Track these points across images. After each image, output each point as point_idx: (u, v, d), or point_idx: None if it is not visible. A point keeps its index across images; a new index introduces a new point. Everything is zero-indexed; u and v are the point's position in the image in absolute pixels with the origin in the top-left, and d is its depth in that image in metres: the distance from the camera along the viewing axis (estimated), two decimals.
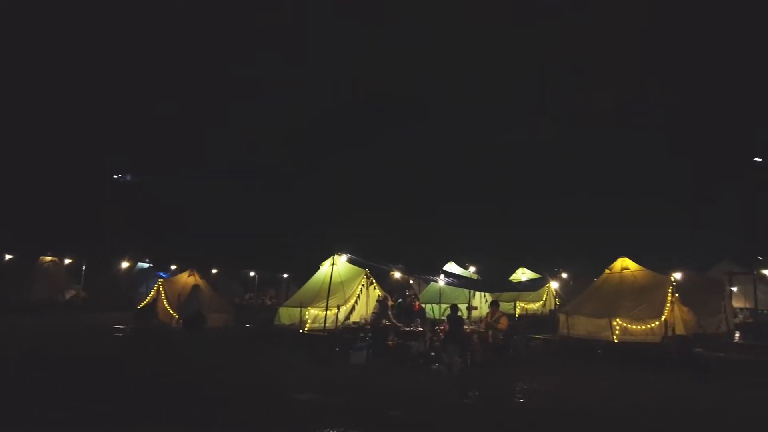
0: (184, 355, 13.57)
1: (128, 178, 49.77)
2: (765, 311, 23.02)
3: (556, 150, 51.84)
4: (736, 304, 21.41)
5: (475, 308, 19.37)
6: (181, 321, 16.21)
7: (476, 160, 53.79)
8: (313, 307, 15.63)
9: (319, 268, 17.31)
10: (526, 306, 23.95)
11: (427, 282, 21.46)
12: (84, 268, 25.88)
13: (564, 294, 18.56)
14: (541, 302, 23.92)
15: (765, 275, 20.00)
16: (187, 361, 12.99)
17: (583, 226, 42.23)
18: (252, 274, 32.09)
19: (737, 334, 16.89)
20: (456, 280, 16.49)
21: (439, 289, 19.40)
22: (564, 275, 22.69)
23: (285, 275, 31.31)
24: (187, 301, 14.79)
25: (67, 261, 27.18)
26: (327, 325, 14.92)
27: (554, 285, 17.82)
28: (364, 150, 53.08)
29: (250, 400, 9.36)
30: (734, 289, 20.97)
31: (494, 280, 22.30)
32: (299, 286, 18.92)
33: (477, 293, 20.20)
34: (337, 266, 16.03)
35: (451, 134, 57.24)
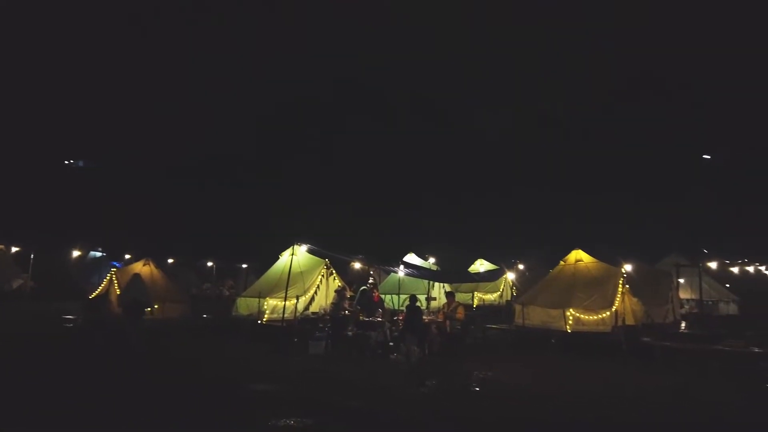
0: (137, 346, 13.24)
1: (80, 164, 48.04)
2: (709, 302, 24.09)
3: (516, 144, 52.69)
4: (683, 295, 22.32)
5: (434, 299, 19.59)
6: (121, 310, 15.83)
7: (438, 153, 54.14)
8: (271, 298, 15.49)
9: (278, 258, 17.16)
10: (483, 296, 24.35)
11: (387, 272, 21.54)
12: (32, 256, 24.95)
13: (520, 285, 18.95)
14: (499, 293, 24.36)
15: (710, 267, 20.87)
16: (140, 352, 12.71)
17: (540, 219, 43.23)
18: (210, 263, 31.56)
19: (683, 324, 17.60)
20: (416, 271, 16.61)
21: (398, 280, 19.51)
22: (521, 266, 23.11)
23: (244, 265, 30.91)
24: (125, 289, 14.42)
25: (15, 249, 26.12)
26: (286, 315, 14.83)
27: (511, 276, 18.15)
28: (327, 143, 52.76)
29: (206, 391, 9.25)
30: (681, 280, 21.84)
31: (453, 271, 22.57)
32: (258, 277, 18.72)
33: (436, 284, 20.42)
34: (296, 256, 15.92)
35: (414, 126, 57.37)
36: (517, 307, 15.96)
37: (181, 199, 43.27)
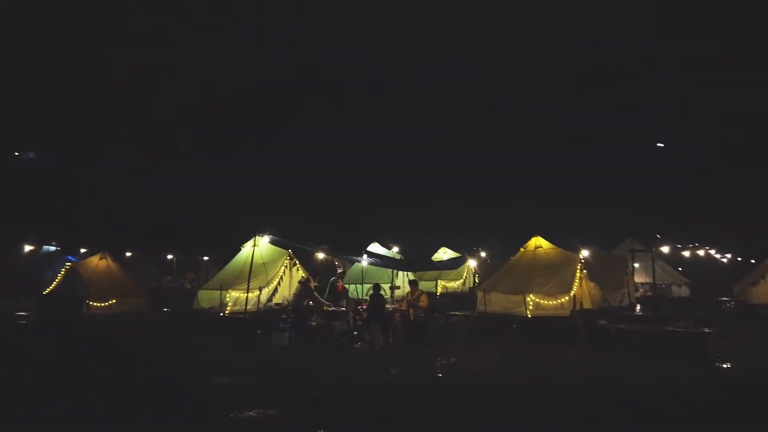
0: (96, 341, 12.94)
1: (31, 155, 46.17)
2: (663, 285, 25.03)
3: (481, 133, 53.28)
4: (638, 279, 23.08)
5: (398, 287, 19.72)
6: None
7: (401, 143, 54.31)
8: (234, 290, 15.31)
9: (240, 249, 16.95)
10: (446, 284, 24.59)
11: (351, 262, 21.54)
12: None
13: (482, 272, 19.21)
14: (461, 280, 24.64)
15: (662, 252, 21.60)
16: (100, 347, 12.41)
17: (502, 207, 43.97)
18: (170, 256, 30.93)
19: (638, 307, 18.21)
20: (379, 260, 16.64)
21: (362, 270, 19.54)
22: (483, 254, 23.48)
23: (205, 258, 30.43)
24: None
25: None
26: (249, 307, 14.68)
27: (473, 263, 18.38)
28: (289, 133, 52.16)
29: (167, 385, 9.10)
30: (636, 265, 22.56)
31: (416, 260, 22.71)
32: (220, 269, 18.45)
33: (400, 273, 20.52)
34: (258, 248, 15.75)
35: (373, 116, 57.32)
36: (479, 294, 16.18)
37: (140, 191, 42.18)
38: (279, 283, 16.16)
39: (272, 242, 15.78)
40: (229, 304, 15.14)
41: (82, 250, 28.31)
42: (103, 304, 16.94)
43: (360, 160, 50.68)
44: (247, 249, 16.27)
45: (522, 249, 16.92)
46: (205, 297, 15.99)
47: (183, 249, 31.41)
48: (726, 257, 30.07)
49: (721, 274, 25.68)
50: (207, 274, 26.83)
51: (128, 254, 28.87)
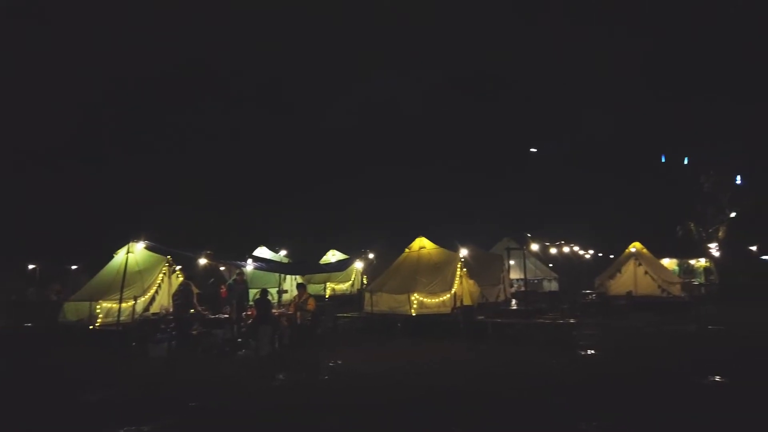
0: None
1: None
2: (535, 281, 26.99)
3: (373, 136, 54.12)
4: (513, 275, 24.70)
5: (286, 291, 19.48)
6: None
7: (289, 144, 53.63)
8: (105, 301, 14.23)
9: (112, 257, 15.83)
10: (335, 286, 24.71)
11: (237, 267, 20.92)
12: None
13: (369, 273, 19.52)
14: (350, 282, 24.88)
15: (533, 250, 23.27)
16: None
17: (390, 207, 44.97)
18: (32, 266, 28.10)
19: (513, 302, 19.48)
20: (264, 264, 16.37)
21: (249, 274, 19.04)
22: (370, 255, 23.90)
23: (73, 267, 28.03)
24: None
25: None
26: (124, 318, 13.74)
27: (358, 265, 18.59)
28: (171, 131, 49.33)
29: (31, 405, 8.27)
30: (512, 262, 24.14)
31: (304, 263, 22.59)
32: (90, 278, 17.08)
33: (288, 276, 20.28)
34: (133, 254, 14.81)
35: (262, 116, 56.08)
36: (367, 295, 16.45)
37: None
38: (157, 292, 15.31)
39: (148, 248, 14.88)
40: (101, 315, 14.06)
41: None
42: None
43: (247, 161, 49.22)
44: (120, 256, 15.24)
45: (407, 250, 17.43)
46: (72, 309, 14.70)
47: (48, 258, 28.65)
48: (589, 253, 33.01)
49: (583, 269, 28.12)
50: (75, 284, 24.69)
51: None
